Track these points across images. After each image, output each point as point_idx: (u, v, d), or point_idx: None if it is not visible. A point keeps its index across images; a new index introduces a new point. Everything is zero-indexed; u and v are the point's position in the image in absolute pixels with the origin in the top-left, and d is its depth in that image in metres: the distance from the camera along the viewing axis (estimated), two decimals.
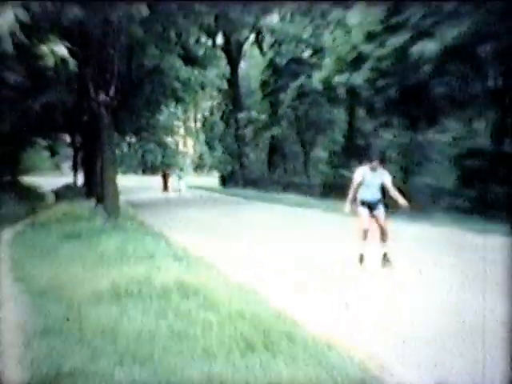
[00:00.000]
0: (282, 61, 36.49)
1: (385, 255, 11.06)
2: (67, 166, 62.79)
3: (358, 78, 23.35)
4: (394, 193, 10.98)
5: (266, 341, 6.02)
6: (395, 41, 20.80)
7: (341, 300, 8.64)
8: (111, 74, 21.15)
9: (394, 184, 11.13)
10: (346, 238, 13.07)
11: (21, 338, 6.47)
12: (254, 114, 44.05)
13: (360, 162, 12.16)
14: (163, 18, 23.11)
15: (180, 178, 49.43)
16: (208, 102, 53.38)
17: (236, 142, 46.27)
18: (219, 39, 45.50)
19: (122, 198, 24.23)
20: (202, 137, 67.19)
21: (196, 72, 34.22)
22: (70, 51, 17.10)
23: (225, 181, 49.23)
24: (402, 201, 10.79)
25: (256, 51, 47.53)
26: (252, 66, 48.15)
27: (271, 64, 38.13)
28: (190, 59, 33.72)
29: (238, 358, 5.65)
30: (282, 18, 36.96)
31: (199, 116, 63.06)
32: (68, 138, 44.34)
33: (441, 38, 18.91)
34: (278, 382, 5.02)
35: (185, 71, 32.49)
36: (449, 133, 24.92)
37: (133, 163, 79.56)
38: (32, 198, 29.64)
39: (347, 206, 11.20)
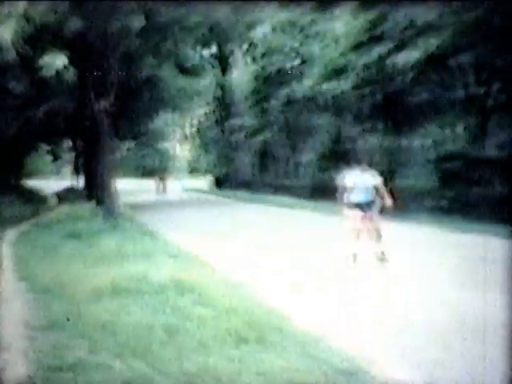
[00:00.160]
0: (272, 69, 36.47)
1: (382, 254, 10.90)
2: (69, 169, 62.59)
3: (345, 85, 23.40)
4: (384, 193, 10.93)
5: (258, 334, 6.03)
6: (379, 50, 20.86)
7: (331, 295, 8.66)
8: (110, 82, 21.20)
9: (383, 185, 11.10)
10: (332, 237, 13.09)
11: (26, 333, 6.47)
12: (246, 119, 44.06)
13: (346, 165, 12.13)
14: (159, 29, 23.14)
15: (177, 181, 49.55)
16: (202, 109, 53.27)
17: (229, 147, 46.24)
18: (213, 49, 45.50)
19: (121, 200, 24.22)
20: (197, 141, 67.17)
21: (191, 80, 34.31)
22: (71, 61, 17.13)
23: (219, 183, 49.15)
24: (388, 202, 10.80)
25: (247, 60, 47.53)
26: (244, 74, 48.11)
27: (262, 72, 38.11)
28: (185, 68, 33.76)
29: (232, 350, 5.66)
30: (273, 29, 36.94)
31: (194, 122, 62.92)
32: (69, 143, 44.31)
33: (422, 47, 18.96)
34: (269, 373, 5.02)
35: (180, 80, 32.56)
36: (430, 137, 25.03)
37: (131, 167, 79.25)
38: (35, 201, 29.61)
39: (345, 210, 10.99)
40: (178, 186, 49.76)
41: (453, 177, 20.58)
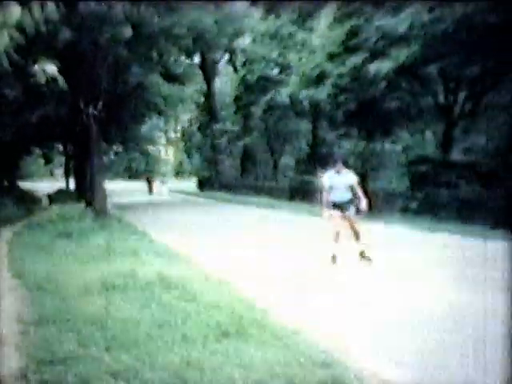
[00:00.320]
0: (253, 78, 36.49)
1: (362, 253, 10.75)
2: (60, 172, 62.32)
3: (321, 93, 23.45)
4: (360, 193, 10.80)
5: (238, 328, 6.04)
6: (354, 60, 20.94)
7: (308, 291, 8.68)
8: (99, 90, 21.16)
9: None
10: (308, 234, 13.13)
11: (19, 327, 6.45)
12: (228, 125, 44.20)
13: (323, 168, 12.08)
14: (146, 39, 23.11)
15: (163, 183, 49.48)
16: (187, 115, 53.27)
17: (212, 151, 46.24)
18: (196, 58, 45.52)
19: (110, 201, 24.15)
20: (182, 146, 67.19)
21: (176, 88, 34.34)
22: (61, 70, 17.02)
23: (202, 185, 49.10)
24: (363, 203, 10.73)
25: (230, 69, 47.58)
26: (226, 82, 48.16)
27: (243, 81, 38.12)
28: (170, 77, 33.78)
29: (214, 343, 5.67)
30: (253, 40, 37.02)
31: (179, 127, 62.93)
32: (61, 147, 44.15)
33: (393, 58, 19.06)
34: (249, 365, 5.04)
35: (166, 87, 32.61)
36: (401, 142, 25.22)
37: (119, 170, 79.06)
38: (28, 202, 29.40)
39: (325, 212, 10.79)
40: (164, 187, 49.63)
41: (422, 179, 20.72)
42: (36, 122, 25.79)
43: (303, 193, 28.19)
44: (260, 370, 4.94)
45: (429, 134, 26.21)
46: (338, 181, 10.73)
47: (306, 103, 29.86)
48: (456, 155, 22.58)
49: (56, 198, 32.46)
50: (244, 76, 37.97)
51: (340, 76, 21.97)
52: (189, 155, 64.64)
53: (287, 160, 41.29)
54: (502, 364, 5.02)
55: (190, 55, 41.80)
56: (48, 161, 52.17)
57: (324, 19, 25.09)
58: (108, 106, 22.59)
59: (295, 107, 32.56)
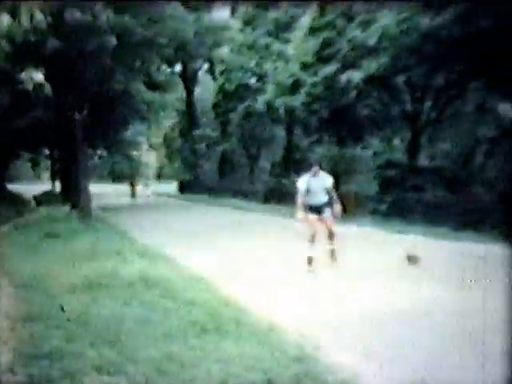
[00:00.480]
0: (231, 86, 36.45)
1: (332, 252, 10.58)
2: (47, 175, 61.84)
3: (296, 101, 23.50)
4: (335, 195, 10.63)
5: (216, 325, 6.07)
6: (326, 70, 21.01)
7: (283, 289, 8.71)
8: (84, 96, 21.05)
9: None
10: (281, 235, 13.17)
11: (6, 324, 6.41)
12: (207, 131, 44.22)
13: (296, 173, 12.00)
14: (130, 48, 23.07)
15: (146, 186, 49.25)
16: (168, 121, 53.12)
17: (192, 155, 46.09)
18: (178, 67, 45.50)
19: (94, 203, 24.02)
20: (163, 150, 67.04)
21: (158, 95, 34.31)
22: (48, 77, 16.96)
23: (183, 188, 48.89)
24: (337, 210, 10.51)
25: (209, 78, 47.57)
26: (206, 90, 48.09)
27: (222, 89, 38.08)
28: (153, 84, 33.76)
29: (193, 339, 5.68)
30: (232, 50, 37.02)
31: (161, 132, 62.75)
32: (47, 151, 43.81)
33: (364, 69, 19.17)
34: (227, 360, 5.05)
35: (149, 95, 32.56)
36: (371, 148, 25.35)
37: (103, 173, 78.52)
38: (16, 204, 29.17)
39: (299, 213, 10.38)
40: (146, 190, 49.42)
41: (391, 183, 20.83)
42: (23, 127, 25.59)
43: (278, 196, 28.28)
44: (237, 364, 4.96)
45: (397, 141, 26.38)
46: (315, 184, 10.47)
47: (281, 110, 29.92)
48: (422, 161, 22.76)
49: (42, 200, 32.20)
50: (223, 84, 37.93)
51: (314, 85, 22.03)
52: (170, 159, 64.50)
53: (263, 164, 41.30)
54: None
55: (171, 64, 41.83)
56: (35, 164, 51.85)
57: (299, 31, 25.23)
58: (93, 111, 22.48)
59: (271, 114, 32.57)
